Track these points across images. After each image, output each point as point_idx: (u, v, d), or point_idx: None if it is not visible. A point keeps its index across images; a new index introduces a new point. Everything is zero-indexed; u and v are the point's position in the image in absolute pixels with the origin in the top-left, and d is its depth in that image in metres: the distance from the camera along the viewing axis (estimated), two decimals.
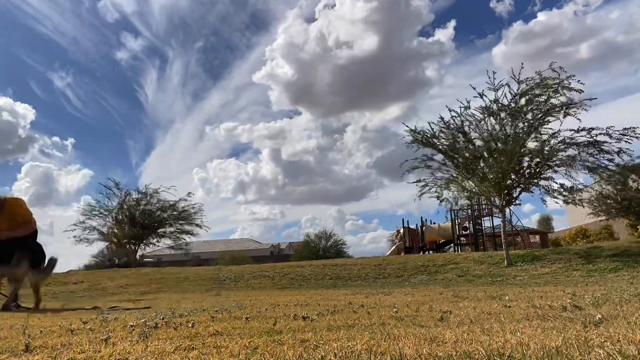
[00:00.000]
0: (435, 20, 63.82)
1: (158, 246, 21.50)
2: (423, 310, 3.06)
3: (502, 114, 11.83)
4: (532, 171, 12.13)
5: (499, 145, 11.75)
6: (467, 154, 12.31)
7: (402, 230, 24.40)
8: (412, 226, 24.14)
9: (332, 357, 1.43)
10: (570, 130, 11.35)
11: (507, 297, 4.04)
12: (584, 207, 13.02)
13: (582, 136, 11.27)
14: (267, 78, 61.28)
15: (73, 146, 64.79)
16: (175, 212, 20.31)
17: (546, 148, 11.61)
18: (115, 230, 19.86)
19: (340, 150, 70.39)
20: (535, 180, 12.19)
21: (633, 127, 10.84)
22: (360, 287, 9.51)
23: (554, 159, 11.69)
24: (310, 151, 69.69)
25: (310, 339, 1.79)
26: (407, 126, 12.93)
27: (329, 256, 30.39)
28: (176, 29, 63.89)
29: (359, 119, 68.97)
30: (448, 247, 23.90)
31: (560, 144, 11.52)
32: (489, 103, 11.93)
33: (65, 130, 73.91)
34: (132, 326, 2.46)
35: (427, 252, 21.99)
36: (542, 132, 11.58)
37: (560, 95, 11.28)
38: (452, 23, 66.35)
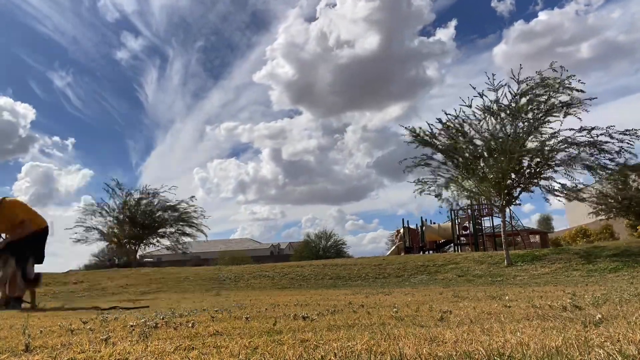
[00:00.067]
0: (437, 20, 63.96)
1: (158, 246, 21.52)
2: (423, 310, 3.06)
3: (502, 114, 11.84)
4: (532, 171, 12.14)
5: (499, 145, 11.75)
6: (467, 154, 12.31)
7: (402, 230, 24.41)
8: (412, 226, 24.16)
9: (332, 357, 1.43)
10: (571, 130, 11.37)
11: (507, 297, 4.04)
12: (585, 201, 13.01)
13: (582, 136, 11.29)
14: (267, 78, 61.38)
15: (73, 146, 64.92)
16: (176, 213, 20.33)
17: (546, 148, 11.62)
18: (116, 230, 19.88)
19: (341, 150, 70.46)
20: (536, 180, 12.20)
21: (635, 129, 10.87)
22: (360, 287, 9.51)
23: (554, 158, 11.70)
24: (310, 151, 69.78)
25: (310, 339, 1.79)
26: (405, 128, 12.95)
27: (329, 256, 30.41)
28: (176, 29, 63.97)
29: (359, 119, 69.04)
30: (448, 247, 23.91)
31: (560, 144, 11.53)
32: (490, 103, 11.95)
33: (66, 130, 74.03)
34: (132, 326, 2.46)
35: (427, 252, 22.00)
36: (542, 132, 11.59)
37: (561, 94, 11.29)
38: (453, 22, 66.45)
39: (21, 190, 55.56)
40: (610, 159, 11.24)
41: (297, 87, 59.47)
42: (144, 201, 19.92)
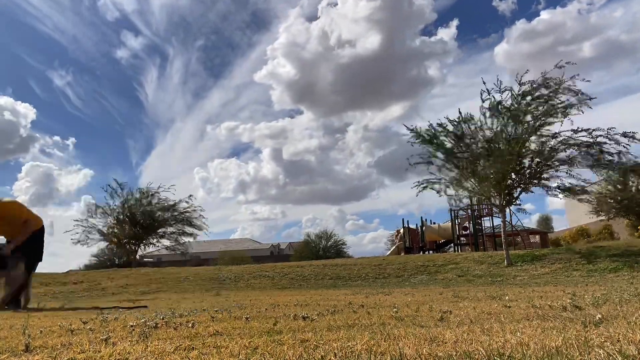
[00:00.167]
0: (438, 19, 63.91)
1: (158, 246, 21.52)
2: (423, 310, 3.06)
3: (505, 115, 11.83)
4: (533, 171, 12.15)
5: (500, 146, 11.76)
6: (467, 154, 12.32)
7: (402, 230, 24.42)
8: (413, 226, 24.16)
9: (332, 357, 1.43)
10: (571, 130, 11.38)
11: (507, 297, 4.04)
12: (585, 201, 13.03)
13: (582, 137, 11.31)
14: (268, 77, 61.38)
15: (74, 146, 64.94)
16: (176, 213, 20.33)
17: (547, 148, 11.63)
18: (116, 230, 19.88)
19: (342, 150, 70.48)
20: (536, 181, 12.20)
21: (632, 132, 10.93)
22: (360, 287, 9.51)
23: (554, 159, 11.71)
24: (311, 151, 69.79)
25: (310, 339, 1.79)
26: (408, 127, 12.97)
27: (329, 256, 30.41)
28: (177, 27, 63.98)
29: (360, 119, 69.06)
30: (448, 247, 23.92)
31: (560, 144, 11.54)
32: (493, 103, 11.94)
33: (65, 130, 74.06)
34: (132, 326, 2.46)
35: (427, 252, 22.01)
36: (543, 133, 11.61)
37: (562, 95, 11.30)
38: (455, 22, 66.45)
39: (21, 190, 55.60)
40: (609, 160, 11.27)
41: (298, 87, 59.52)
42: (144, 201, 19.93)
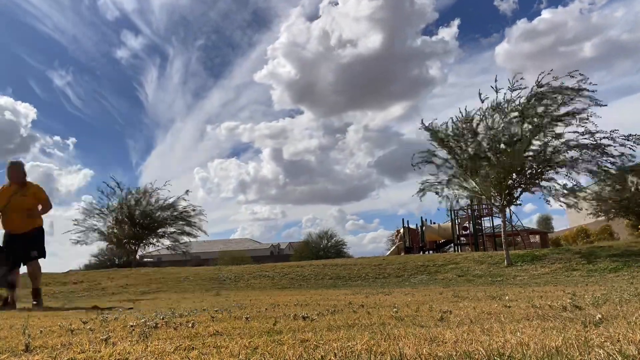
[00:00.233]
0: (439, 19, 63.89)
1: (158, 246, 21.50)
2: (423, 310, 3.06)
3: (512, 115, 11.81)
4: (534, 171, 12.14)
5: (504, 146, 11.76)
6: (471, 152, 12.30)
7: (402, 230, 24.42)
8: (413, 226, 24.17)
9: (332, 357, 1.43)
10: (574, 132, 11.38)
11: (507, 297, 4.04)
12: (579, 211, 13.06)
13: (585, 138, 11.30)
14: (268, 77, 61.41)
15: (74, 145, 64.95)
16: (175, 213, 20.31)
17: (549, 149, 11.63)
18: (115, 230, 19.86)
19: (342, 150, 70.49)
20: (537, 181, 12.20)
21: (637, 134, 10.90)
22: (360, 287, 9.51)
23: (557, 160, 11.70)
24: (311, 151, 69.81)
25: (310, 339, 1.79)
26: (424, 125, 12.98)
27: (329, 256, 30.42)
28: (177, 27, 63.98)
29: (361, 119, 69.07)
30: (448, 247, 23.93)
31: (562, 146, 11.54)
32: (502, 101, 11.93)
33: (65, 130, 74.06)
34: (132, 326, 2.46)
35: (427, 252, 22.01)
36: (547, 135, 11.60)
37: (575, 103, 11.29)
38: (456, 22, 66.43)
39: None
40: (612, 163, 11.26)
41: (298, 87, 59.53)
42: (142, 201, 19.90)
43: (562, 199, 12.00)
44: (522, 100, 11.79)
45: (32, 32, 60.13)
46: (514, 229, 21.74)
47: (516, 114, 11.73)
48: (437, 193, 13.01)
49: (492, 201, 13.43)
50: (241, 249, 38.37)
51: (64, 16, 60.88)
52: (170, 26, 64.53)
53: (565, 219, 35.12)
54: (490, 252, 14.63)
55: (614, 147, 11.05)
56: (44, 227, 6.05)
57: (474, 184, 12.71)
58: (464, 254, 15.36)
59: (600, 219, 19.52)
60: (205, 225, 20.87)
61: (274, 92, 63.97)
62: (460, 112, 12.51)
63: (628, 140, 10.93)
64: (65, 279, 13.23)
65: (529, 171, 12.18)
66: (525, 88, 11.76)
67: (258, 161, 73.01)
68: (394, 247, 25.88)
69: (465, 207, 21.52)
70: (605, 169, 11.35)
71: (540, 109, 11.55)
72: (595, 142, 11.16)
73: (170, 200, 20.07)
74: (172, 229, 20.58)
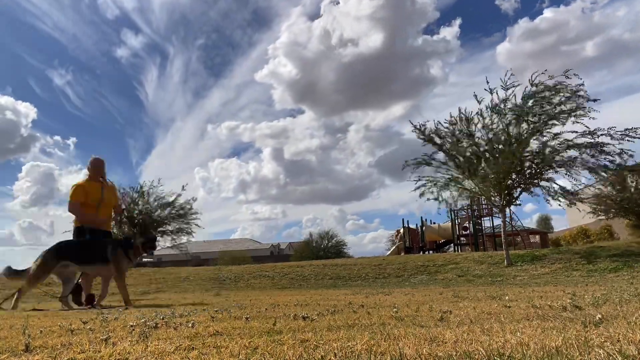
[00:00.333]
0: (441, 18, 63.90)
1: (158, 246, 21.45)
2: (423, 310, 3.06)
3: (509, 114, 11.81)
4: (533, 171, 12.14)
5: (501, 146, 11.76)
6: (468, 154, 12.31)
7: (402, 230, 24.43)
8: (413, 226, 24.17)
9: (332, 357, 1.43)
10: (573, 132, 11.37)
11: (507, 297, 4.04)
12: (580, 211, 13.06)
13: (583, 137, 11.28)
14: (269, 76, 61.43)
15: (75, 145, 64.97)
16: (174, 211, 20.26)
17: (547, 149, 11.62)
18: (115, 230, 19.84)
19: (343, 150, 70.52)
20: (536, 181, 12.19)
21: (634, 128, 10.85)
22: (360, 287, 9.51)
23: (555, 159, 11.69)
24: (312, 150, 69.87)
25: (310, 339, 1.79)
26: (413, 125, 12.96)
27: (329, 256, 30.42)
28: (177, 26, 64.01)
29: (362, 118, 69.11)
30: (448, 247, 23.94)
31: (561, 145, 11.53)
32: (498, 101, 11.93)
33: (65, 129, 74.08)
34: (132, 326, 2.45)
35: (427, 252, 22.01)
36: (544, 135, 11.60)
37: (571, 102, 11.27)
38: (458, 21, 66.39)
39: (22, 190, 55.63)
40: (610, 161, 11.23)
41: (299, 86, 59.57)
42: (141, 201, 19.88)
43: (561, 198, 12.01)
44: (518, 100, 11.82)
45: (32, 31, 60.23)
46: (513, 229, 21.75)
47: (512, 113, 11.74)
48: (435, 199, 12.99)
49: (492, 201, 13.43)
50: (241, 249, 38.39)
51: (63, 15, 60.94)
52: (170, 25, 64.60)
53: (565, 219, 35.14)
54: (490, 252, 14.63)
55: (613, 144, 11.05)
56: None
57: (473, 184, 12.71)
58: (464, 254, 15.36)
59: (600, 218, 19.50)
60: (199, 222, 20.73)
61: (274, 91, 64.08)
62: (451, 114, 12.58)
63: (626, 134, 10.87)
64: None
65: (528, 171, 12.18)
66: (519, 85, 11.78)
67: (259, 161, 73.10)
68: (394, 247, 25.89)
69: (465, 207, 21.52)
70: (605, 166, 11.33)
71: (535, 108, 11.54)
72: (593, 141, 11.15)
73: (170, 199, 20.04)
74: (171, 228, 20.54)
